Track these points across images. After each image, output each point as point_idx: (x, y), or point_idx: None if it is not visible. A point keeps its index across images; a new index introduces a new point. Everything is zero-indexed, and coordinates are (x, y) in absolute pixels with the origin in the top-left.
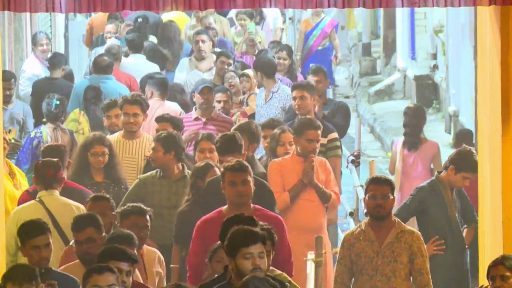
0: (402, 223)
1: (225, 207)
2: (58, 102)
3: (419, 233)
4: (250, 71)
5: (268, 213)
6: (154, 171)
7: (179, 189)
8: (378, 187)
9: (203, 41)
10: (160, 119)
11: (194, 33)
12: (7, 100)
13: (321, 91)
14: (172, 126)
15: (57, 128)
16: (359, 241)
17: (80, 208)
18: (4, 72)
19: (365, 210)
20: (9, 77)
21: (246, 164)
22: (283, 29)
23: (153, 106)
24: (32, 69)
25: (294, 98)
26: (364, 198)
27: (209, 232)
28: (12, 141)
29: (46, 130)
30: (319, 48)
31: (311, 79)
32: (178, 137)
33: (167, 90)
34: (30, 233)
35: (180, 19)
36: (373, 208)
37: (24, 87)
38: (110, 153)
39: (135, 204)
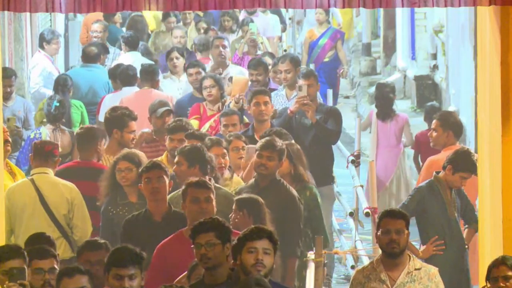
0: (417, 259)
1: (185, 228)
2: (57, 104)
3: (436, 269)
4: (239, 77)
5: None
6: (179, 189)
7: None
8: (392, 221)
9: (223, 46)
10: (190, 136)
11: (214, 37)
12: (7, 97)
13: (312, 96)
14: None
15: (56, 129)
16: (369, 280)
17: (67, 186)
18: (4, 69)
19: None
20: (10, 74)
21: (209, 182)
22: (281, 37)
23: (139, 97)
24: (44, 65)
25: (258, 104)
26: (377, 233)
27: (170, 254)
28: (13, 128)
29: (45, 131)
30: (326, 59)
31: (302, 83)
32: (203, 150)
33: (155, 77)
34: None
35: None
36: (387, 244)
37: (35, 84)
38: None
39: (91, 239)
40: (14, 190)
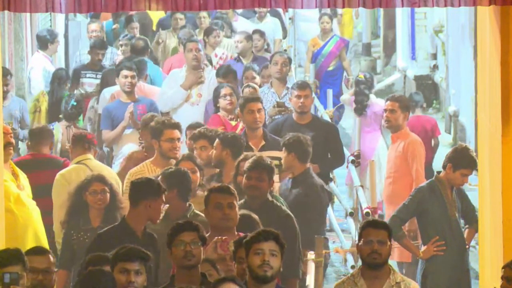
0: (398, 272)
1: (207, 234)
2: (75, 104)
3: (416, 284)
4: (255, 84)
5: None
6: None
7: None
8: (375, 231)
9: (197, 50)
10: (198, 136)
11: (187, 41)
12: (4, 96)
13: (308, 107)
14: (209, 142)
15: (70, 126)
16: None
17: (112, 171)
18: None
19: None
20: (6, 74)
21: (233, 188)
22: (281, 40)
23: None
24: (43, 65)
25: (251, 112)
26: (358, 244)
27: None
28: (10, 126)
29: (59, 128)
30: (330, 68)
31: (297, 93)
32: (186, 175)
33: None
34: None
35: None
36: (369, 254)
37: (36, 83)
38: (111, 193)
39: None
40: (70, 173)
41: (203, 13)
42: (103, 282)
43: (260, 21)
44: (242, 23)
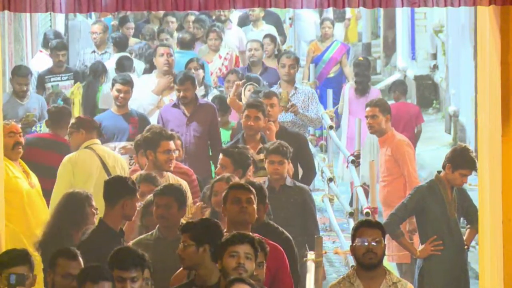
0: (393, 273)
1: (224, 230)
2: (62, 103)
3: (411, 285)
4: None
5: (268, 241)
6: (150, 233)
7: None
8: (369, 231)
9: (169, 55)
10: (225, 153)
11: (158, 45)
12: (23, 95)
13: (274, 117)
14: (233, 163)
15: None
16: None
17: (118, 156)
18: (20, 67)
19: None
20: (25, 73)
21: (252, 188)
22: (278, 44)
23: None
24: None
25: (248, 117)
26: (351, 246)
27: None
28: (32, 122)
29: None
30: (331, 75)
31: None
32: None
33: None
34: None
35: None
36: (364, 254)
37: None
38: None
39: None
40: (77, 159)
41: (192, 17)
42: (104, 275)
43: (256, 28)
44: (235, 31)
